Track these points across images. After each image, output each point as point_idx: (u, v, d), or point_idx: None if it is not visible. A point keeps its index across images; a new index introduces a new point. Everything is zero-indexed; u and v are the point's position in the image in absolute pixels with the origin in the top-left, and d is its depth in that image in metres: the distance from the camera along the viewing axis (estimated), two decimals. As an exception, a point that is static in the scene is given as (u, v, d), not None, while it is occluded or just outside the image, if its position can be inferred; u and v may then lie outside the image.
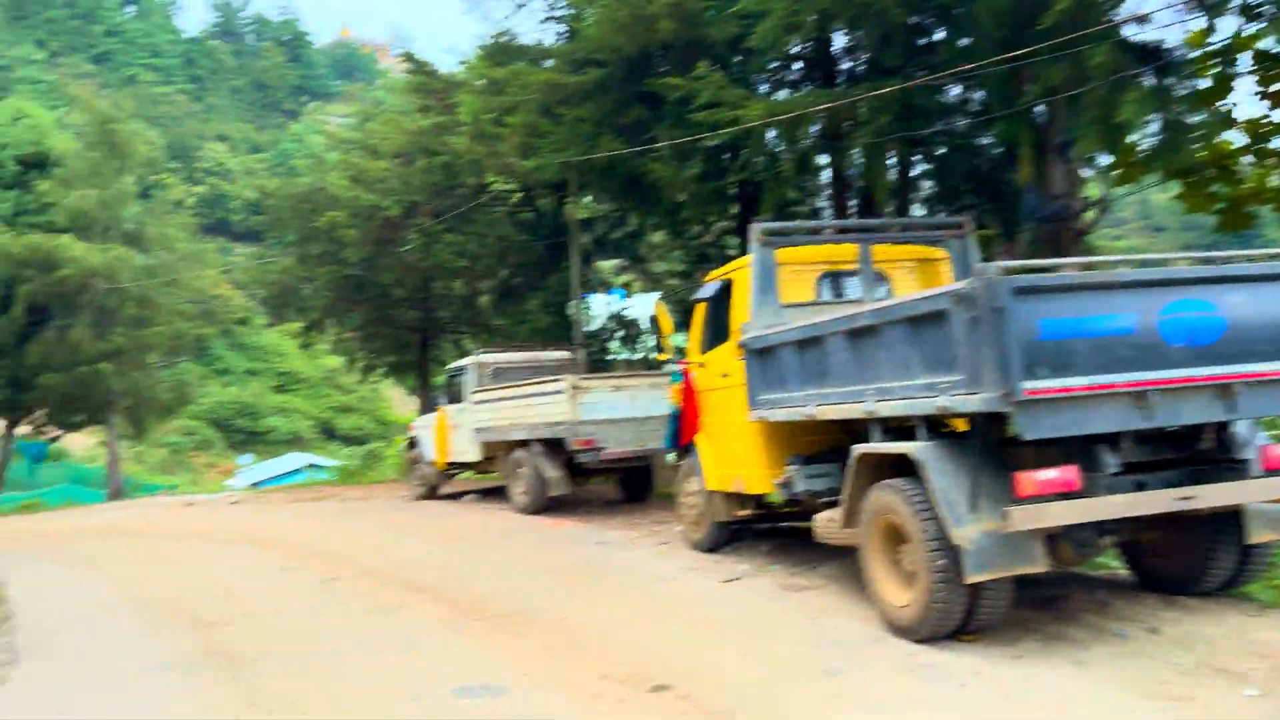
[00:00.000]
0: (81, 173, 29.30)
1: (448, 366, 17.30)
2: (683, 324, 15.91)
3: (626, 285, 23.76)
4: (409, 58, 19.97)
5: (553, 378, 14.20)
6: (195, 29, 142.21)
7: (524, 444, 14.43)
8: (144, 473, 52.94)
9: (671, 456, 11.03)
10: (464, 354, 24.73)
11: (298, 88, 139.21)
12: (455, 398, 16.69)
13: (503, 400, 15.00)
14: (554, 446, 14.09)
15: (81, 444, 54.04)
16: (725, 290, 9.50)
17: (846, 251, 9.15)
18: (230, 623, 8.70)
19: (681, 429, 10.03)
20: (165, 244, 31.12)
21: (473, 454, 16.05)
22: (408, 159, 20.66)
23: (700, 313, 10.11)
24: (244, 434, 72.15)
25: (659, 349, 10.56)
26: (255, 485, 42.47)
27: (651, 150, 12.74)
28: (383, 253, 20.96)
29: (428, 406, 24.09)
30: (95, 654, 8.03)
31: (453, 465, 16.97)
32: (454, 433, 16.54)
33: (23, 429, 32.36)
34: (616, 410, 13.54)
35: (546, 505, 14.22)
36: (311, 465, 49.56)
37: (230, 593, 10.10)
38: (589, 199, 21.11)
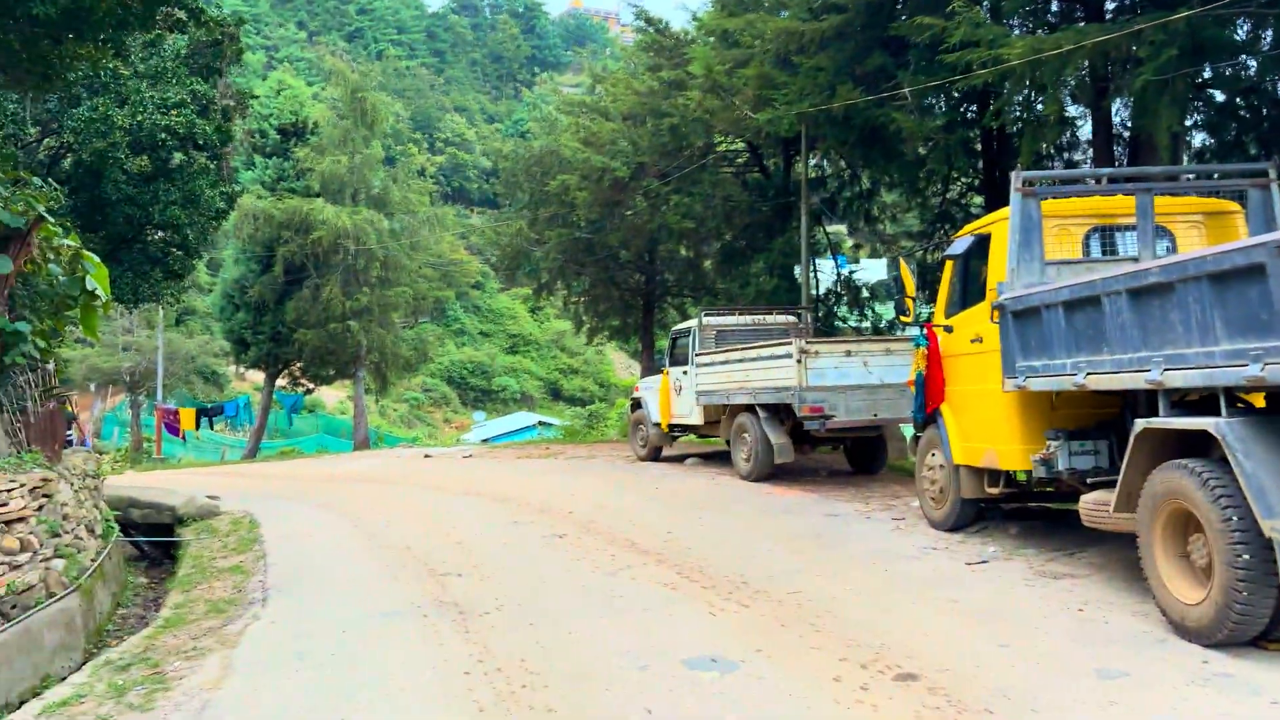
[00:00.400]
0: (334, 140, 31.22)
1: (672, 329, 17.13)
2: (923, 286, 15.07)
3: (856, 247, 22.82)
4: (640, 14, 19.83)
5: (780, 341, 13.69)
6: (437, 4, 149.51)
7: (748, 409, 14.04)
8: (387, 425, 56.60)
9: (910, 428, 10.35)
10: (687, 317, 24.66)
11: (531, 58, 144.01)
12: (679, 360, 16.49)
13: (727, 363, 14.64)
14: (780, 412, 13.63)
15: (334, 397, 58.40)
16: (979, 246, 8.68)
17: (1121, 204, 8.13)
18: (461, 574, 8.80)
19: (926, 398, 9.30)
20: (407, 208, 32.77)
21: (695, 417, 15.83)
22: (637, 120, 20.57)
23: (949, 271, 9.32)
24: (477, 392, 75.97)
25: (901, 311, 9.78)
26: (487, 441, 44.42)
27: (894, 98, 11.90)
28: (611, 215, 21.02)
29: (651, 369, 24.20)
30: (336, 595, 8.31)
31: (675, 428, 16.81)
32: (677, 395, 16.36)
33: (281, 381, 35.07)
34: (847, 376, 12.89)
35: (771, 473, 13.81)
36: (541, 423, 51.40)
37: (462, 544, 10.28)
38: (817, 160, 20.41)
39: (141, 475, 26.59)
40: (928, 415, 9.52)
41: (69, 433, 14.20)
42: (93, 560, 10.08)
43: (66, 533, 9.57)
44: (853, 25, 12.21)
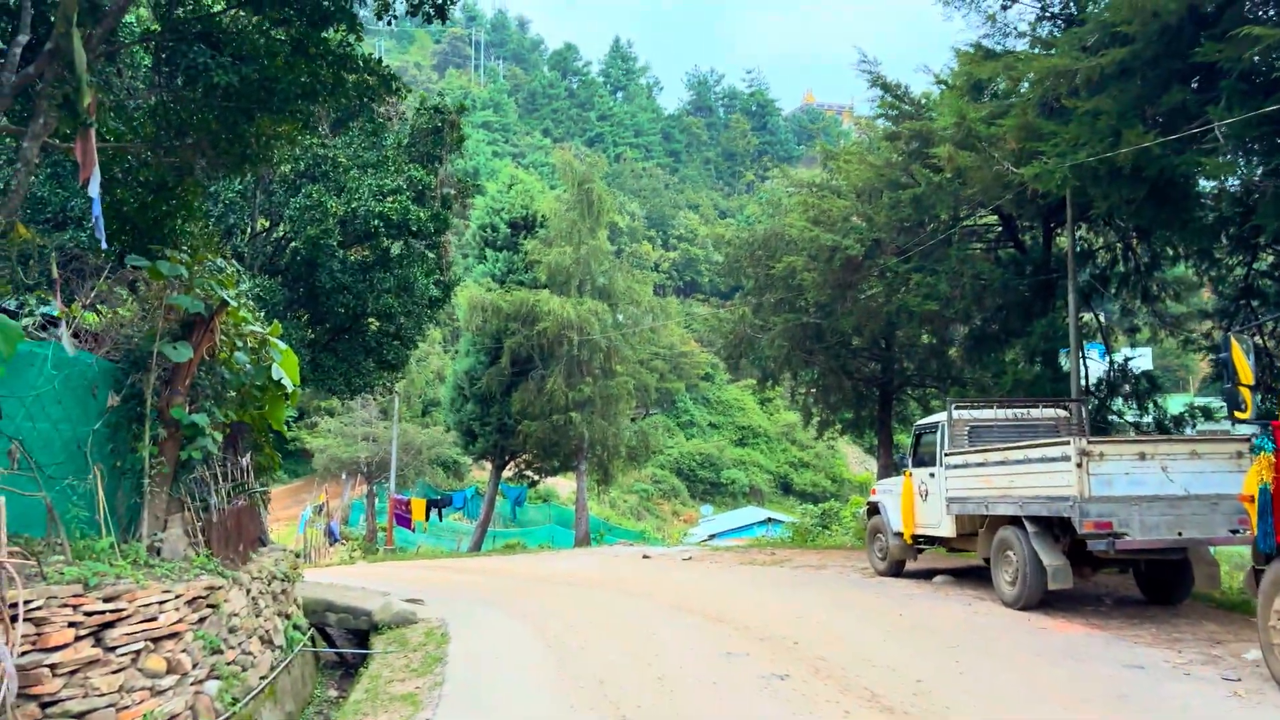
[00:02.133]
0: (561, 231, 31.12)
1: (916, 424, 14.96)
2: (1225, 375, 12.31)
3: (1130, 331, 19.77)
4: (875, 80, 18.14)
5: (1053, 440, 11.36)
6: (673, 107, 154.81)
7: (1013, 521, 11.73)
8: (616, 517, 56.10)
9: (1218, 549, 7.86)
10: (929, 410, 22.21)
11: (761, 152, 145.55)
12: (924, 460, 14.32)
13: (985, 465, 12.38)
14: (1054, 527, 11.28)
15: (566, 487, 58.69)
16: (1357, 315, 6.33)
17: None
18: (656, 727, 7.14)
19: (1276, 520, 6.89)
20: (631, 298, 32.10)
21: (945, 528, 13.55)
22: (871, 196, 18.80)
23: (1305, 351, 6.96)
24: (706, 484, 75.05)
25: (1235, 405, 7.38)
26: (712, 537, 42.75)
27: (1201, 137, 9.57)
28: (842, 298, 19.18)
29: (888, 468, 21.86)
30: (504, 749, 6.84)
31: (920, 539, 14.54)
32: (922, 501, 14.15)
33: (508, 472, 34.89)
34: (1142, 485, 10.43)
35: (1042, 599, 11.40)
36: (769, 520, 49.27)
37: (663, 681, 8.60)
38: (1083, 232, 17.92)
39: (370, 567, 26.69)
40: (1277, 543, 7.08)
41: (267, 530, 13.73)
42: (263, 678, 9.16)
43: (232, 648, 8.66)
44: (1140, 57, 10.01)
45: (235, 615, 8.94)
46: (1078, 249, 18.17)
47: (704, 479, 75.72)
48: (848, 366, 21.19)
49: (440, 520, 36.39)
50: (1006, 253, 19.01)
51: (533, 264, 31.71)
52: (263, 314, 11.83)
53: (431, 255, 16.90)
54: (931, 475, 13.90)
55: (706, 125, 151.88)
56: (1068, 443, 10.62)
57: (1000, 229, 19.29)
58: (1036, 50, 13.46)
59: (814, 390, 22.77)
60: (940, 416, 14.09)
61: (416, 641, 11.51)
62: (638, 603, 13.74)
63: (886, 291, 17.64)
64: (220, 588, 8.69)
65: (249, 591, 9.69)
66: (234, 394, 10.04)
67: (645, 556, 22.35)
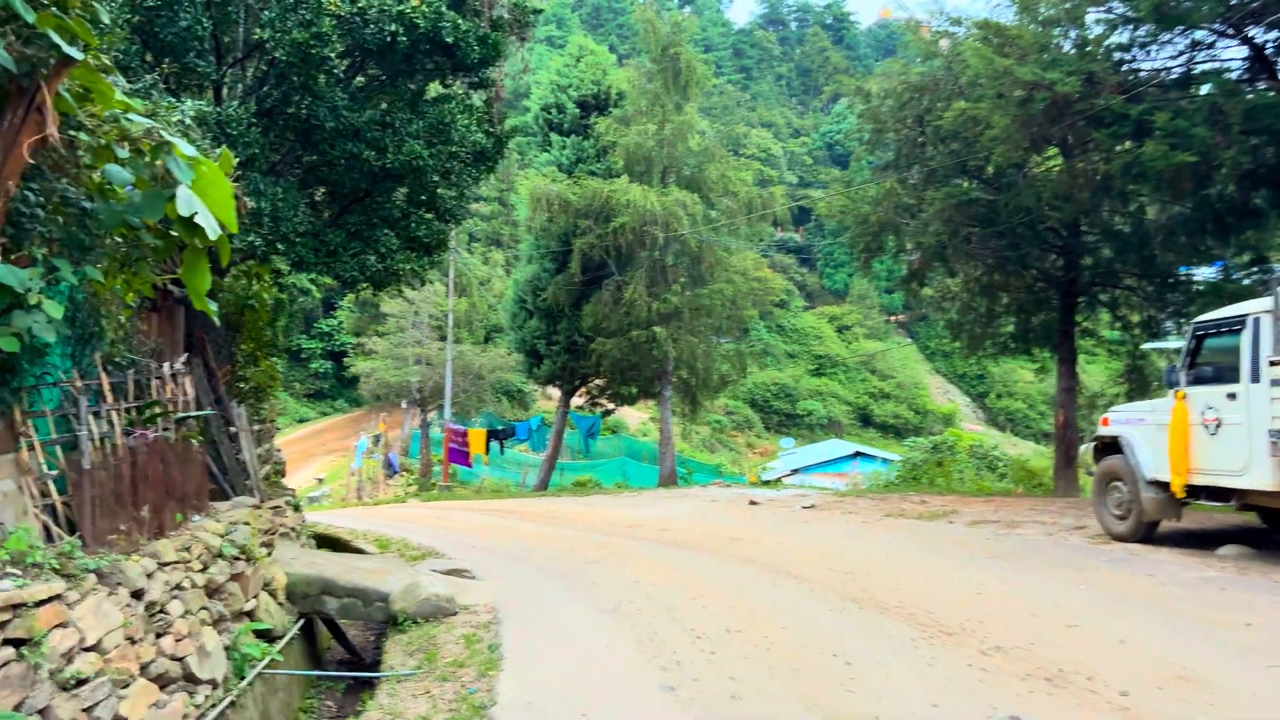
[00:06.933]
0: (641, 107, 25.86)
1: (1197, 320, 10.03)
2: None
3: None
4: None
5: None
6: (744, 20, 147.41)
7: None
8: (689, 450, 52.29)
9: None
10: (1121, 318, 17.23)
11: (839, 69, 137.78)
12: (1207, 375, 9.52)
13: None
14: None
15: (636, 417, 54.72)
16: None
17: None
18: None
19: None
20: (726, 188, 26.61)
21: (1258, 475, 8.76)
22: (1075, 20, 13.68)
23: None
24: (781, 416, 71.94)
25: None
26: (795, 472, 38.55)
27: None
28: (1025, 162, 14.19)
29: (1070, 392, 16.97)
30: None
31: (1198, 490, 9.77)
32: (1208, 435, 9.38)
33: (578, 400, 30.43)
34: None
35: None
36: (859, 454, 44.84)
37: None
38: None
39: (421, 509, 22.76)
40: None
41: (265, 473, 9.48)
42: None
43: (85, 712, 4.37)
44: None
45: (86, 649, 4.64)
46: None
47: (779, 410, 72.30)
48: (1025, 257, 15.98)
49: (502, 454, 32.27)
50: (1244, 102, 13.68)
51: (606, 149, 26.62)
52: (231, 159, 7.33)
53: (478, 97, 12.35)
54: (1231, 396, 9.09)
55: (780, 39, 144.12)
56: None
57: (1250, 61, 14.01)
58: None
59: (973, 291, 17.50)
60: (1250, 306, 9.21)
61: (451, 655, 7.20)
62: (784, 586, 9.22)
63: (1108, 144, 12.63)
64: (45, 602, 4.39)
65: (141, 594, 5.40)
66: (116, 239, 5.66)
67: (753, 503, 17.87)
